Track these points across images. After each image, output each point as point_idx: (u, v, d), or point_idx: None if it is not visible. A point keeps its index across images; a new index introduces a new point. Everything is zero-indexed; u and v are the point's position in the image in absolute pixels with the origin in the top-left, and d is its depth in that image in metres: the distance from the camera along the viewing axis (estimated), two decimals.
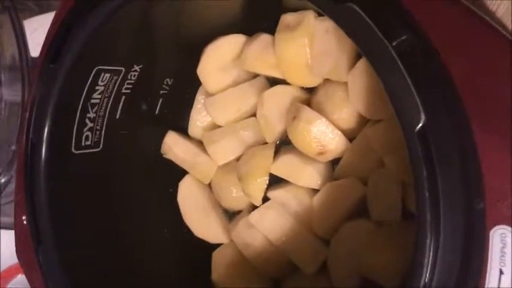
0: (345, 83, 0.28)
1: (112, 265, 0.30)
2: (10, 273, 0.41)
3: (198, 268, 0.33)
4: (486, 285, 0.16)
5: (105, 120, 0.29)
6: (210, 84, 0.32)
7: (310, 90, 0.31)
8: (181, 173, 0.34)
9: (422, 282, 0.16)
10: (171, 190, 0.34)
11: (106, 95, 0.28)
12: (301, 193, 0.30)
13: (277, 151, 0.31)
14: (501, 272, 0.16)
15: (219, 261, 0.32)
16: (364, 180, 0.28)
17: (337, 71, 0.27)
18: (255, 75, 0.32)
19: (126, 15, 0.26)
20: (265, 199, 0.31)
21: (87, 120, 0.28)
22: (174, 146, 0.34)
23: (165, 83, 0.32)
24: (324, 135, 0.28)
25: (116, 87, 0.28)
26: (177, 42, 0.31)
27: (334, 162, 0.30)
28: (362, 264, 0.27)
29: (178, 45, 0.31)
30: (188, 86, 0.33)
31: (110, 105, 0.29)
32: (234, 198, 0.33)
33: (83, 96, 0.27)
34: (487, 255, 0.16)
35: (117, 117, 0.30)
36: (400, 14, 0.17)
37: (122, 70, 0.28)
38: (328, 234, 0.29)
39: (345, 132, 0.28)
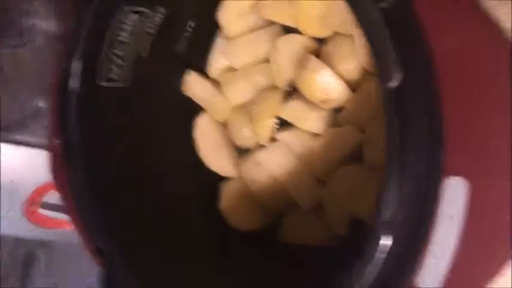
0: (352, 37, 0.29)
1: (134, 187, 0.34)
2: (45, 188, 0.45)
3: (207, 196, 0.36)
4: (437, 226, 0.18)
5: (134, 58, 0.32)
6: (229, 29, 0.34)
7: (321, 41, 0.32)
8: (199, 110, 0.37)
9: (388, 215, 0.19)
10: (188, 125, 0.38)
11: (134, 35, 0.31)
12: (305, 136, 0.33)
13: (287, 96, 0.34)
14: (451, 217, 0.18)
15: (227, 192, 0.36)
16: (362, 128, 0.30)
17: (345, 25, 0.29)
18: (271, 23, 0.34)
19: None
20: (273, 140, 0.34)
21: (114, 57, 0.31)
22: (193, 85, 0.36)
23: (188, 25, 0.34)
24: (328, 84, 0.30)
25: (143, 28, 0.31)
26: None
27: (337, 110, 0.32)
28: (353, 205, 0.30)
29: None
30: (209, 30, 0.36)
31: (137, 44, 0.31)
32: (245, 137, 0.36)
33: (112, 32, 0.29)
34: (441, 201, 0.18)
35: (145, 56, 0.33)
36: None
37: (148, 12, 0.30)
38: (325, 176, 0.32)
39: (348, 82, 0.30)
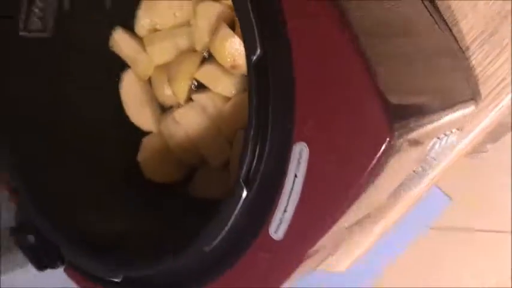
0: None
1: (60, 136, 0.36)
2: None
3: (130, 149, 0.39)
4: (285, 183, 0.21)
5: (54, 9, 0.33)
6: None
7: None
8: (126, 66, 0.39)
9: (245, 172, 0.22)
10: (116, 80, 0.39)
11: None
12: (217, 99, 0.35)
13: (205, 60, 0.36)
14: (295, 176, 0.21)
15: (147, 146, 0.38)
16: None
17: None
18: None
19: None
20: (191, 100, 0.36)
21: (36, 9, 0.32)
22: (120, 42, 0.38)
23: None
24: (236, 51, 0.32)
25: None
26: None
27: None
28: None
29: None
30: None
31: None
32: (166, 95, 0.38)
33: None
34: (289, 162, 0.21)
35: (67, 9, 0.34)
36: None
37: None
38: (232, 137, 0.35)
39: None
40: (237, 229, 0.22)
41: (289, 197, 0.21)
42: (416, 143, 0.21)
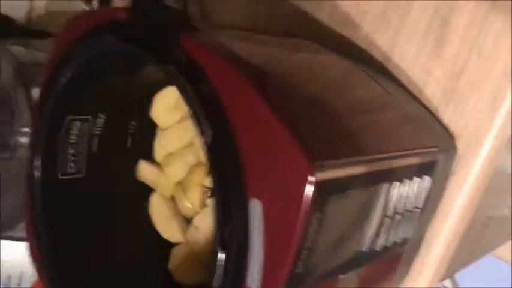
0: None
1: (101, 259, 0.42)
2: None
3: (163, 261, 0.43)
4: (251, 238, 0.25)
5: (85, 153, 0.41)
6: (161, 123, 0.43)
7: None
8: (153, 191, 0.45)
9: (219, 236, 0.26)
10: (145, 204, 0.46)
11: (81, 137, 0.40)
12: None
13: None
14: (258, 229, 0.25)
15: (176, 255, 0.43)
16: None
17: None
18: None
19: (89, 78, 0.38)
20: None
21: (68, 155, 0.40)
22: (143, 171, 0.45)
23: (130, 124, 0.44)
24: None
25: (87, 130, 0.40)
26: (134, 94, 0.42)
27: None
28: None
29: (136, 96, 0.43)
30: (151, 125, 0.45)
31: (85, 143, 0.41)
32: (187, 207, 0.43)
33: (62, 138, 0.39)
34: (250, 217, 0.25)
35: (94, 151, 0.42)
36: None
37: (89, 118, 0.40)
38: None
39: None
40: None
41: (255, 249, 0.25)
42: (354, 184, 0.25)
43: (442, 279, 0.65)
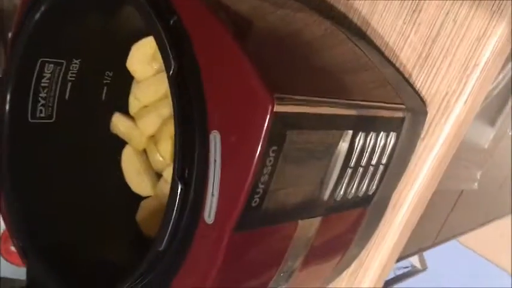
0: None
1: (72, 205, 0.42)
2: None
3: (132, 212, 0.43)
4: (209, 170, 0.25)
5: (56, 99, 0.41)
6: (137, 75, 0.43)
7: None
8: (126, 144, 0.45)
9: (180, 170, 0.26)
10: (118, 157, 0.45)
11: (53, 81, 0.40)
12: None
13: None
14: (215, 161, 0.25)
15: (144, 207, 0.43)
16: None
17: None
18: None
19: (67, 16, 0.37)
20: None
21: (40, 99, 0.40)
22: (117, 123, 0.45)
23: (106, 74, 0.44)
24: None
25: (61, 75, 0.40)
26: (111, 42, 0.42)
27: None
28: None
29: (113, 45, 0.42)
30: (127, 76, 0.45)
31: (58, 88, 0.40)
32: (158, 161, 0.43)
33: (33, 80, 0.39)
34: (209, 150, 0.25)
35: (66, 98, 0.42)
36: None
37: (63, 62, 0.40)
38: None
39: None
40: (180, 222, 0.26)
41: (214, 181, 0.25)
42: (315, 123, 0.25)
43: (409, 255, 0.65)
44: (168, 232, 0.26)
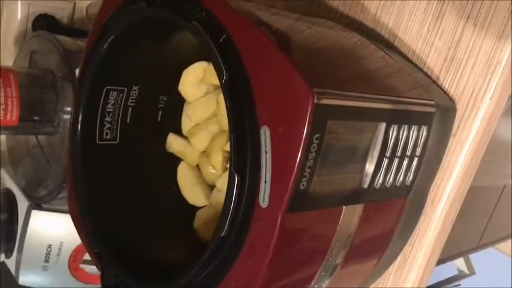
0: None
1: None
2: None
3: (189, 222, 0.48)
4: (261, 160, 0.29)
5: (119, 123, 0.46)
6: (189, 97, 0.48)
7: None
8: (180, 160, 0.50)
9: (237, 162, 0.30)
10: (174, 173, 0.50)
11: (117, 106, 0.45)
12: None
13: None
14: (266, 152, 0.28)
15: (200, 216, 0.47)
16: None
17: None
18: (217, 86, 0.47)
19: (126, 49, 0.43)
20: None
21: (105, 122, 0.45)
22: (172, 142, 0.50)
23: (160, 99, 0.49)
24: None
25: (123, 101, 0.45)
26: (164, 69, 0.47)
27: None
28: None
29: (166, 72, 0.47)
30: (178, 100, 0.50)
31: (120, 113, 0.46)
32: (211, 173, 0.48)
33: (100, 106, 0.44)
34: (261, 142, 0.29)
35: (128, 121, 0.47)
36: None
37: (124, 89, 0.45)
38: None
39: None
40: (239, 209, 0.30)
41: (266, 169, 0.29)
42: (351, 115, 0.29)
43: (453, 256, 0.66)
44: (228, 219, 0.30)
